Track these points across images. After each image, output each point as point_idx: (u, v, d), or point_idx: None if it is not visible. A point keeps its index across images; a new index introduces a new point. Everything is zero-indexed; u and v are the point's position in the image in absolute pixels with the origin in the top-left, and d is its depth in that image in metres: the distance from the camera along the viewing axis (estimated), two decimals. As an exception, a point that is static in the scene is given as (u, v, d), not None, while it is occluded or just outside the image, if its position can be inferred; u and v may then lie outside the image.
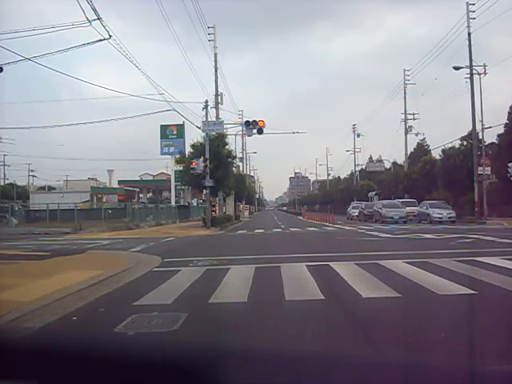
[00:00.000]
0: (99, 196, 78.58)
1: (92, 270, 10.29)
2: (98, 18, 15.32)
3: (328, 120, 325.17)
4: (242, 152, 65.71)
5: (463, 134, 43.26)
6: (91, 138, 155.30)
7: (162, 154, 65.46)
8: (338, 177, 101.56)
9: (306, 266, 9.96)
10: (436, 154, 48.07)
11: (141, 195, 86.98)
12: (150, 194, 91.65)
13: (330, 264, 10.06)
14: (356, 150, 71.86)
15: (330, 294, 6.89)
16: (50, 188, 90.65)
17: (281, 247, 15.59)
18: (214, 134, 32.96)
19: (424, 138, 57.97)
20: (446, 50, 70.48)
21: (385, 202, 38.11)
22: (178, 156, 38.52)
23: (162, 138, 65.20)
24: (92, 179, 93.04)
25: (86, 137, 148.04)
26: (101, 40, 16.12)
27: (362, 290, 6.92)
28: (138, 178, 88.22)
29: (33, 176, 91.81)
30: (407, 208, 35.05)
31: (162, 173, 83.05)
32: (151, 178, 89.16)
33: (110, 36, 16.38)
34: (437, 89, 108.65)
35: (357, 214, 42.01)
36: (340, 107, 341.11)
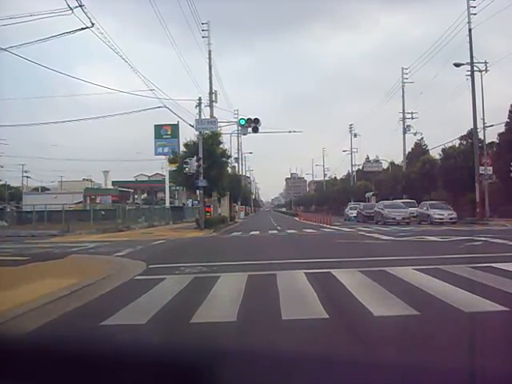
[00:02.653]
0: (92, 197, 77.66)
1: (67, 278, 9.27)
2: (80, 6, 14.26)
3: (324, 120, 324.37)
4: (238, 152, 64.64)
5: (462, 134, 42.51)
6: (87, 139, 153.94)
7: (156, 154, 64.47)
8: (335, 177, 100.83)
9: (305, 273, 8.92)
10: (434, 153, 47.33)
11: (136, 196, 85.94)
12: (145, 195, 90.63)
13: (332, 271, 9.02)
14: (353, 150, 71.00)
15: (335, 311, 5.85)
16: (44, 189, 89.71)
17: (277, 251, 14.54)
18: (207, 132, 31.92)
19: (422, 138, 57.28)
20: (443, 50, 69.60)
21: (386, 202, 36.09)
22: (170, 156, 37.40)
23: (156, 138, 64.41)
24: (87, 180, 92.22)
25: (82, 137, 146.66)
26: (83, 28, 15.07)
27: (372, 306, 5.88)
28: (133, 179, 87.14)
29: (27, 177, 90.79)
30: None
31: (158, 173, 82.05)
32: (147, 178, 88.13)
33: (93, 24, 15.33)
34: (434, 90, 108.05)
35: (355, 214, 40.89)
36: (336, 108, 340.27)
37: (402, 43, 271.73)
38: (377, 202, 47.16)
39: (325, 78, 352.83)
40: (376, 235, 20.39)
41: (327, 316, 5.53)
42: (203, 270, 9.95)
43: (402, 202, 36.59)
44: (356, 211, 40.91)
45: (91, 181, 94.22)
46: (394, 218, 31.57)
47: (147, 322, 5.49)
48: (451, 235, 18.76)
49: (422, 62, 73.58)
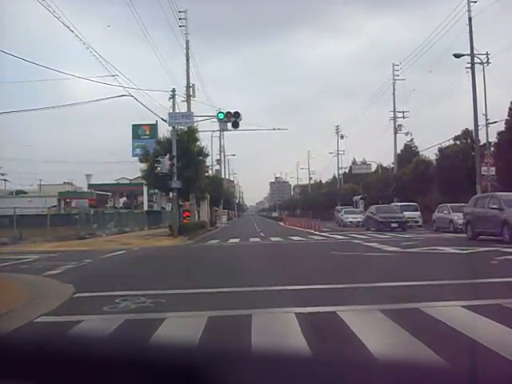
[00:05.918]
0: (67, 201, 73.92)
1: None
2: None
3: (310, 123, 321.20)
4: (220, 154, 61.42)
5: (456, 134, 39.88)
6: (70, 141, 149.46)
7: (133, 155, 61.10)
8: (320, 181, 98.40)
9: (297, 315, 5.71)
10: (424, 155, 44.65)
11: (115, 200, 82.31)
12: (125, 199, 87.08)
13: (338, 312, 5.80)
14: (340, 152, 68.26)
15: None
16: (20, 192, 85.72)
17: (256, 270, 11.21)
18: (183, 128, 28.64)
19: (412, 139, 54.82)
20: (432, 53, 67.11)
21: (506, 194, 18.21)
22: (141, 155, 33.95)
23: (133, 138, 61.63)
24: (67, 183, 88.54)
25: (64, 140, 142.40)
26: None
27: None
28: (114, 182, 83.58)
29: (4, 180, 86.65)
30: (405, 213, 30.31)
31: (139, 177, 78.47)
32: (128, 182, 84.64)
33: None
34: (423, 92, 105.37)
35: (351, 220, 36.88)
36: (322, 111, 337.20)
37: (388, 46, 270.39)
38: (365, 205, 44.11)
39: (311, 81, 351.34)
40: (376, 245, 17.17)
41: None
42: (144, 306, 6.68)
43: (402, 206, 32.63)
44: (358, 216, 36.58)
45: (72, 184, 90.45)
46: None
47: None
48: (467, 246, 15.65)
49: (408, 64, 71.03)
